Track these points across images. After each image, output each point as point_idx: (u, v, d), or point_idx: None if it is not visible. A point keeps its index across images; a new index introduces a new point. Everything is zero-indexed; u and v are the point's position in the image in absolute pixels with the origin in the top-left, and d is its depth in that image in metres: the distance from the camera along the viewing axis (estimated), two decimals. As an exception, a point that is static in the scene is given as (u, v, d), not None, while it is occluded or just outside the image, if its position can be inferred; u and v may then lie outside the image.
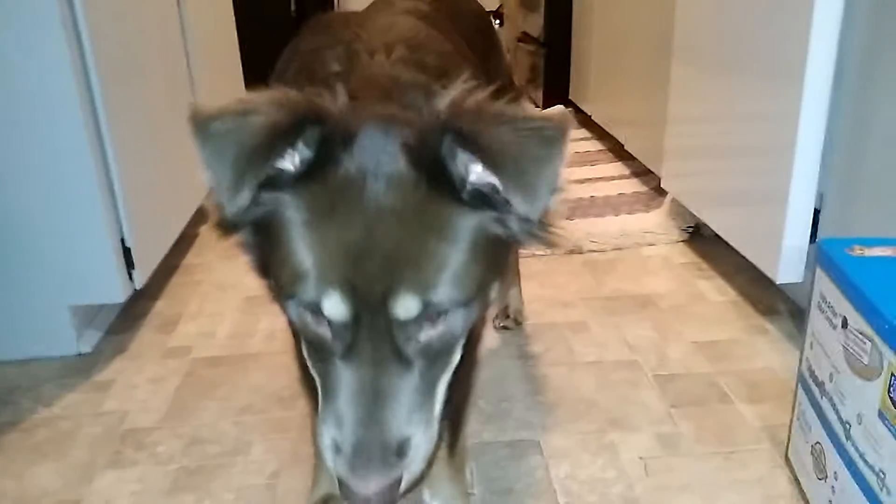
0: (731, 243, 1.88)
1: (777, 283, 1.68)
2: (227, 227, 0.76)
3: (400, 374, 0.71)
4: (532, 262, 2.12)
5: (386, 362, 0.71)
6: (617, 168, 3.00)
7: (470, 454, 1.33)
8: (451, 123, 0.67)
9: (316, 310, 0.70)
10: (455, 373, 1.12)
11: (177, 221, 2.15)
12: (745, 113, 1.80)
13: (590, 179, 2.88)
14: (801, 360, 1.28)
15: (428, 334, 0.71)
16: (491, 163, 0.66)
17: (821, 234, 1.59)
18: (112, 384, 1.63)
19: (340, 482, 0.70)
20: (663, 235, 2.28)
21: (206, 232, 2.46)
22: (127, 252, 1.71)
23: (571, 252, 2.23)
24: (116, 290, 1.69)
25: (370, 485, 0.69)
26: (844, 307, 1.07)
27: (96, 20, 1.57)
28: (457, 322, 0.73)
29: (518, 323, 1.80)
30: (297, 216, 0.70)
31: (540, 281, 2.04)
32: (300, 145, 0.69)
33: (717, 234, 2.00)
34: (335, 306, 0.68)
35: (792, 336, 1.71)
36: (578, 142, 3.44)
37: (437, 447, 0.79)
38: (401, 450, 0.70)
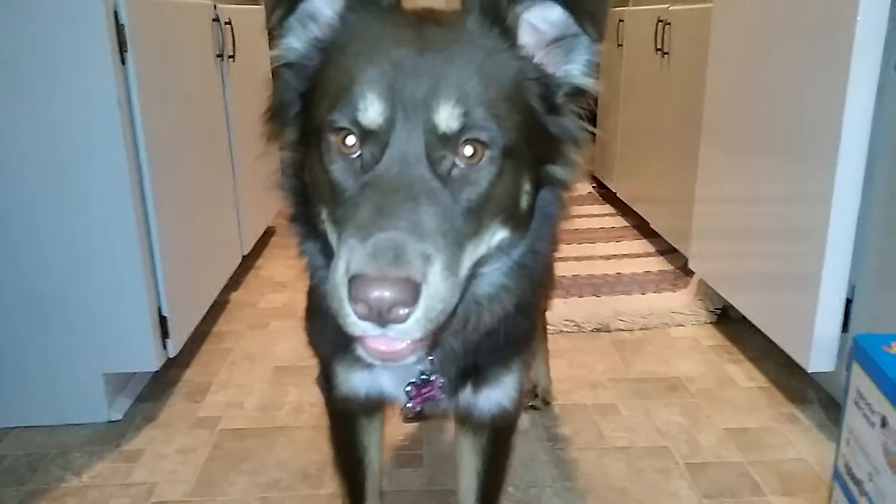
0: (761, 328, 1.88)
1: (808, 371, 1.67)
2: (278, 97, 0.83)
3: (428, 193, 0.68)
4: (560, 340, 2.13)
5: (416, 179, 0.69)
6: (643, 245, 3.02)
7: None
8: None
9: (353, 120, 0.71)
10: (488, 459, 1.13)
11: (210, 290, 2.19)
12: (775, 195, 1.82)
13: (615, 256, 2.90)
14: (836, 456, 1.26)
15: (462, 168, 0.72)
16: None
17: (853, 326, 1.59)
18: (141, 454, 1.63)
19: (350, 279, 0.64)
20: (691, 316, 2.28)
21: (237, 299, 2.50)
22: (163, 321, 1.74)
23: (599, 330, 2.22)
24: (151, 359, 1.72)
25: (381, 272, 0.63)
26: (884, 406, 1.07)
27: (148, 98, 1.64)
28: (492, 173, 0.73)
29: (546, 403, 1.79)
30: (345, 40, 0.76)
31: (568, 360, 2.03)
32: None
33: (745, 317, 2.00)
34: (372, 104, 0.70)
35: (823, 425, 1.69)
36: (603, 217, 3.47)
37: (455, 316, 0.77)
38: (418, 261, 0.65)
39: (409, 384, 0.96)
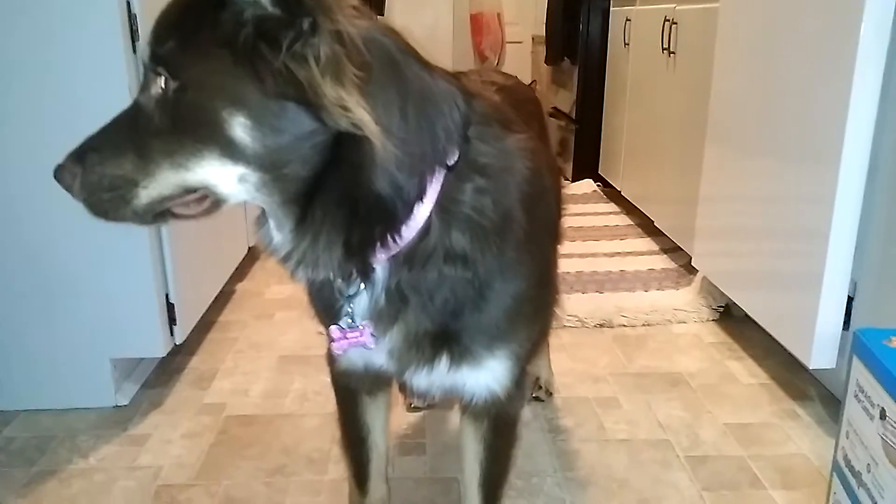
0: (763, 325, 1.89)
1: (810, 368, 1.68)
2: None
3: (133, 116, 0.81)
4: (562, 334, 2.14)
5: (134, 105, 0.82)
6: (646, 243, 3.03)
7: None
8: None
9: None
10: (489, 447, 1.14)
11: (217, 279, 2.21)
12: (779, 195, 1.84)
13: (619, 253, 2.91)
14: (836, 448, 1.28)
15: (157, 91, 0.78)
16: None
17: (854, 322, 1.60)
18: (147, 438, 1.65)
19: None
20: (693, 313, 2.30)
21: (243, 289, 2.52)
22: (170, 308, 1.76)
23: (602, 326, 2.24)
24: (158, 345, 1.74)
25: (61, 162, 0.83)
26: (882, 398, 1.08)
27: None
28: (187, 105, 0.77)
29: (549, 394, 1.81)
30: None
31: (570, 353, 2.05)
32: None
33: (747, 315, 2.01)
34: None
35: (823, 421, 1.70)
36: (608, 216, 3.48)
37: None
38: (89, 159, 0.82)
39: (335, 325, 0.95)
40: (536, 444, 1.63)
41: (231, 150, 0.77)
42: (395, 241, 0.85)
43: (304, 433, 1.67)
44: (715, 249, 2.27)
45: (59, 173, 0.82)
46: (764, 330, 1.89)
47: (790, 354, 1.75)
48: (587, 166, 4.05)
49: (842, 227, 1.57)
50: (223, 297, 2.37)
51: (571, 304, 2.33)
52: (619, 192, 3.58)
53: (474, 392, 1.02)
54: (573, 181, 4.07)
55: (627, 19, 3.40)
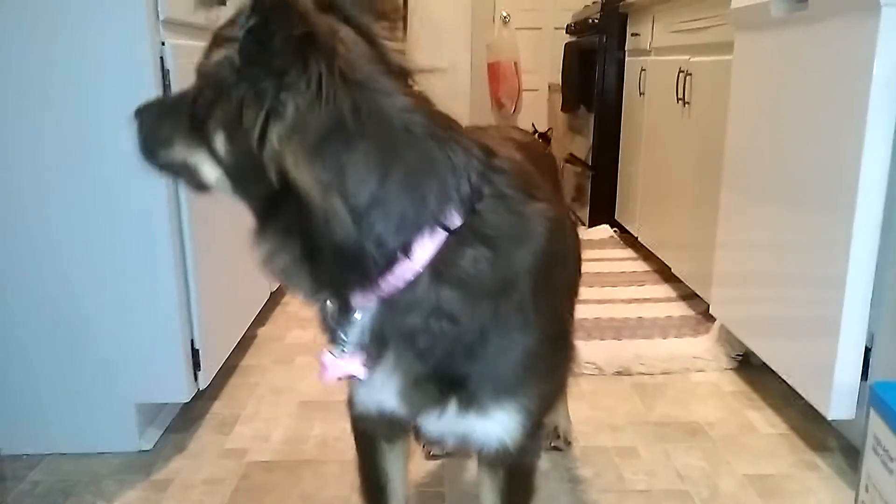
0: (782, 375, 1.89)
1: (829, 419, 1.68)
2: None
3: (184, 96, 0.93)
4: (581, 382, 2.15)
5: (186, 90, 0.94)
6: (664, 290, 3.04)
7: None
8: None
9: None
10: (506, 499, 1.14)
11: (240, 324, 2.25)
12: (795, 242, 1.85)
13: (637, 300, 2.92)
14: (856, 502, 1.28)
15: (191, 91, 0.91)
16: None
17: (872, 373, 1.60)
18: (170, 483, 1.67)
19: None
20: (712, 362, 2.30)
21: (264, 334, 2.56)
22: (195, 353, 1.79)
23: (620, 373, 2.25)
24: (182, 390, 1.77)
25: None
26: (901, 453, 1.09)
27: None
28: (198, 110, 0.89)
29: (568, 443, 1.82)
30: None
31: (589, 402, 2.06)
32: None
33: (766, 364, 2.01)
34: None
35: (843, 473, 1.69)
36: (624, 261, 3.50)
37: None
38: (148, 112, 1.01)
39: (329, 352, 0.96)
40: (555, 494, 1.63)
41: (213, 155, 0.92)
42: (371, 288, 0.89)
43: (324, 480, 1.68)
44: (732, 297, 2.28)
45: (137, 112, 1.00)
46: (783, 379, 1.89)
47: (810, 404, 1.75)
48: (603, 212, 4.08)
49: (858, 274, 1.58)
50: (245, 342, 2.40)
51: (589, 351, 2.34)
52: (636, 237, 3.60)
53: (484, 442, 1.03)
54: (589, 226, 4.10)
55: (642, 69, 3.47)
